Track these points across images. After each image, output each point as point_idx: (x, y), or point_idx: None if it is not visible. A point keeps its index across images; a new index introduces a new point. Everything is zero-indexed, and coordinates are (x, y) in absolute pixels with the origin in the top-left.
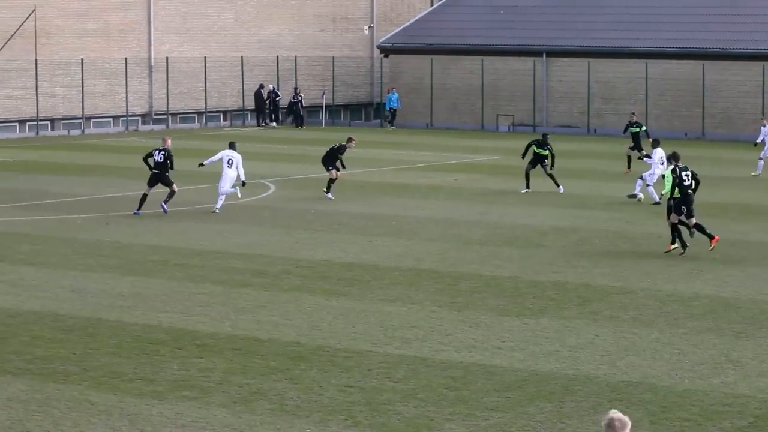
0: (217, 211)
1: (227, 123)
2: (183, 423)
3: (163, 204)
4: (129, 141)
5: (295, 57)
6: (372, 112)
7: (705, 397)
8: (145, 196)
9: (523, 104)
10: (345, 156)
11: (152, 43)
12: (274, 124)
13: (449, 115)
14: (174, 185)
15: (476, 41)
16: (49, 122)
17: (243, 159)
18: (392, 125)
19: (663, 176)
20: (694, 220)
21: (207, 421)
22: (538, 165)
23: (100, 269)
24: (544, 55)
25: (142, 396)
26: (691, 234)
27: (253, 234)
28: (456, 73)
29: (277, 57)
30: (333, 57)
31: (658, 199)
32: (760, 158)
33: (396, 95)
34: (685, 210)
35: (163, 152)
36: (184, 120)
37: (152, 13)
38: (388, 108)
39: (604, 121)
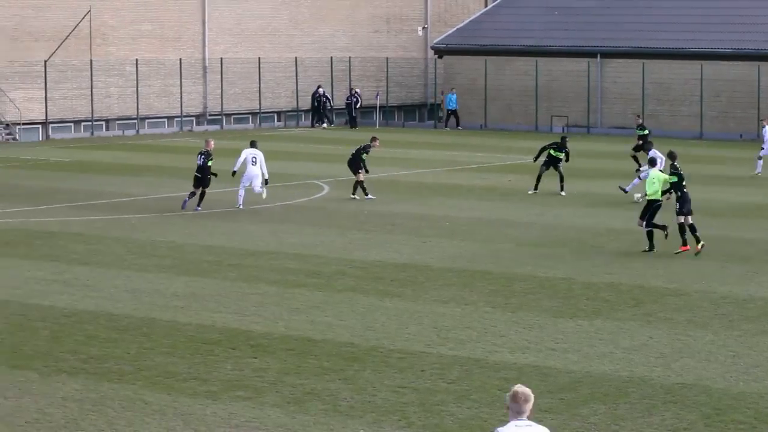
0: (264, 197)
1: (281, 124)
2: (237, 423)
3: (197, 207)
4: (183, 141)
5: (349, 58)
6: (426, 113)
7: (760, 399)
8: (193, 193)
9: (577, 105)
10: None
11: (207, 44)
12: (324, 125)
13: (503, 116)
14: (207, 187)
15: (530, 42)
16: (103, 122)
17: (296, 159)
18: (457, 125)
19: (651, 177)
20: (690, 219)
21: (260, 421)
22: (551, 167)
23: (155, 269)
24: (599, 56)
25: (196, 396)
26: (665, 236)
27: (307, 234)
28: (510, 74)
29: (331, 58)
30: (387, 58)
31: (627, 189)
32: (760, 157)
33: (455, 96)
34: (682, 209)
35: (203, 155)
36: (238, 120)
37: (207, 14)
38: (447, 108)
39: (659, 123)
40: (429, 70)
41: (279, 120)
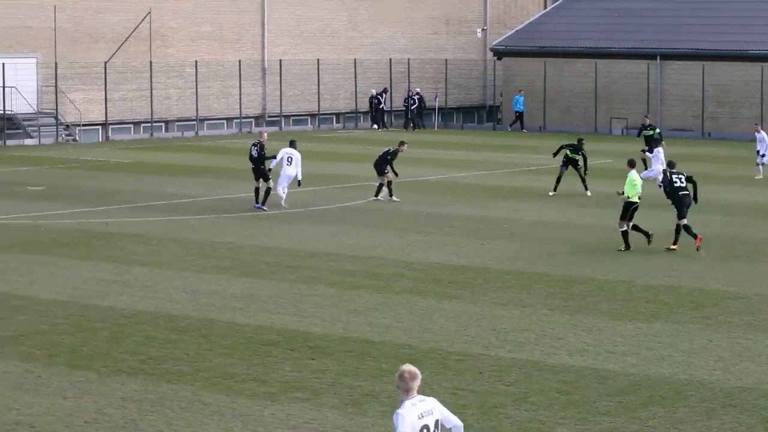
0: (285, 204)
1: (340, 125)
2: (295, 424)
3: (261, 205)
4: (242, 143)
5: (408, 60)
6: (484, 114)
7: None
8: (257, 189)
9: (636, 107)
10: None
11: (266, 46)
12: (375, 126)
13: (562, 119)
14: (270, 181)
15: (590, 44)
16: (163, 124)
17: (354, 161)
18: (521, 128)
19: (630, 179)
20: (685, 221)
21: (319, 423)
22: (570, 167)
23: (214, 270)
24: (658, 58)
25: (254, 397)
26: (649, 242)
27: (365, 236)
28: (569, 76)
29: (390, 60)
30: (446, 60)
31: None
32: (758, 163)
33: (522, 98)
34: (679, 213)
35: (257, 146)
36: (297, 122)
37: (266, 16)
38: (515, 110)
39: (719, 125)
40: (488, 72)
41: (338, 122)
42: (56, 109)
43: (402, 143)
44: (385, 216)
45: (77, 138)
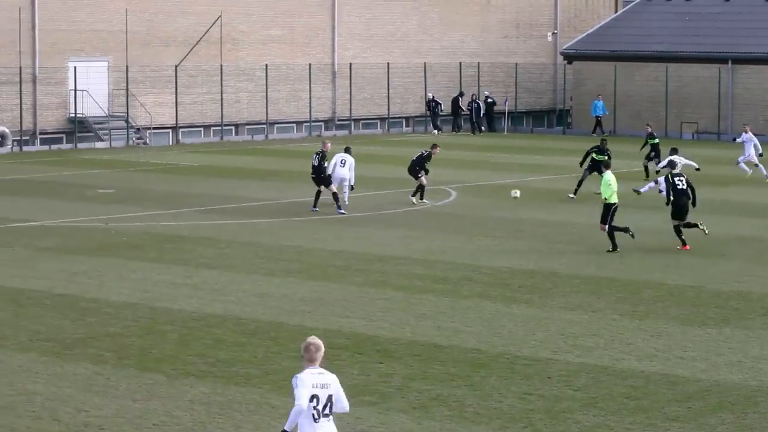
0: (347, 203)
1: (409, 129)
2: (363, 428)
3: (338, 210)
4: (312, 146)
5: (478, 63)
6: (554, 118)
7: None
8: (318, 192)
9: (707, 112)
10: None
11: (336, 49)
12: (436, 132)
13: (633, 123)
14: (331, 185)
15: (661, 48)
16: (233, 127)
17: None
18: (593, 132)
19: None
20: (682, 222)
21: (386, 427)
22: (594, 172)
23: (282, 273)
24: (730, 62)
25: None
26: (632, 236)
27: (434, 240)
28: (640, 80)
29: (460, 63)
30: (516, 63)
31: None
32: (757, 164)
33: (601, 102)
34: (678, 214)
35: (318, 155)
36: (366, 126)
37: (336, 19)
38: (594, 115)
39: None
40: (558, 76)
41: (407, 125)
42: (127, 112)
43: (434, 146)
44: (454, 220)
45: (148, 141)
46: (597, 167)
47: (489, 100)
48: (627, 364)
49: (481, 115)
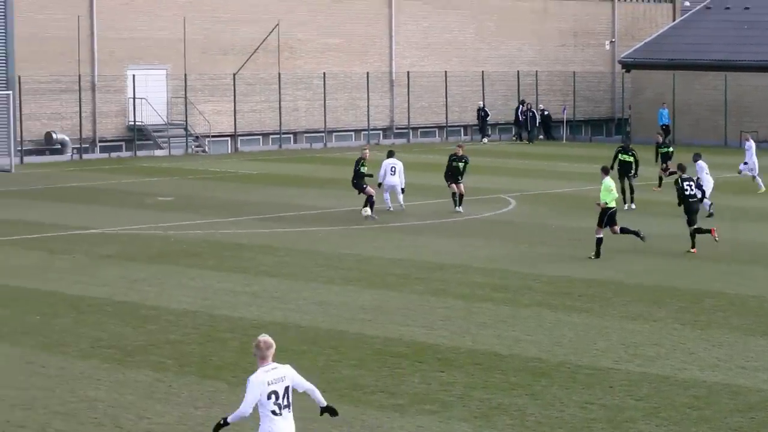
0: (391, 208)
1: (467, 137)
2: None
3: (370, 215)
4: (371, 155)
5: (536, 72)
6: (613, 127)
7: None
8: (367, 201)
9: (767, 121)
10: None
11: (393, 58)
12: (485, 140)
13: (692, 132)
14: (366, 189)
15: (720, 56)
16: (291, 135)
17: (482, 173)
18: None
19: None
20: (694, 226)
21: None
22: (626, 177)
23: (341, 281)
24: None
25: (383, 408)
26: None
27: (494, 248)
28: (699, 88)
29: (518, 72)
30: (574, 72)
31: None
32: (755, 176)
33: (666, 111)
34: (688, 217)
35: (357, 162)
36: (424, 134)
37: (394, 28)
38: (660, 124)
39: None
40: (616, 85)
41: (465, 134)
42: (186, 120)
43: (459, 146)
44: (514, 228)
45: (206, 149)
46: (626, 172)
47: (545, 112)
48: (689, 373)
49: (537, 124)
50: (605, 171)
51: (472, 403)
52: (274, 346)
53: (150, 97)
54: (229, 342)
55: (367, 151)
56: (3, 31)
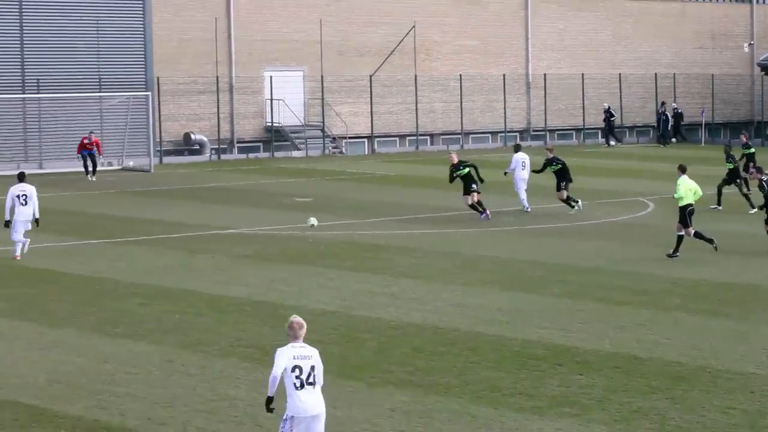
0: (529, 209)
1: (603, 140)
2: None
3: (483, 214)
4: (506, 156)
5: (674, 74)
6: (752, 131)
7: None
8: (477, 207)
9: None
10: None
11: (530, 60)
12: (613, 143)
13: None
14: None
15: None
16: (428, 137)
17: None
18: None
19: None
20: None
21: None
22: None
23: (480, 284)
24: None
25: (522, 411)
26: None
27: (632, 252)
28: None
29: (655, 74)
30: (712, 75)
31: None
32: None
33: None
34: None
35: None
36: (561, 136)
37: (530, 30)
38: None
39: None
40: (755, 88)
41: (602, 136)
42: (323, 121)
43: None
44: (652, 231)
45: (344, 150)
46: (733, 176)
47: (677, 110)
48: None
49: (669, 127)
50: (682, 169)
51: (612, 406)
52: (305, 327)
53: (287, 98)
54: (368, 342)
55: (454, 155)
56: (141, 33)
